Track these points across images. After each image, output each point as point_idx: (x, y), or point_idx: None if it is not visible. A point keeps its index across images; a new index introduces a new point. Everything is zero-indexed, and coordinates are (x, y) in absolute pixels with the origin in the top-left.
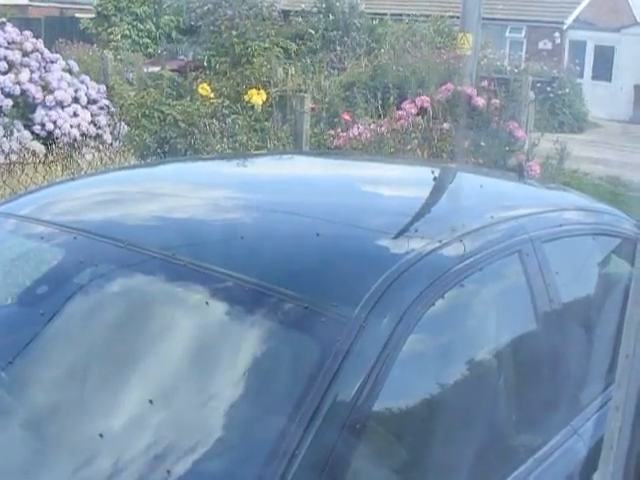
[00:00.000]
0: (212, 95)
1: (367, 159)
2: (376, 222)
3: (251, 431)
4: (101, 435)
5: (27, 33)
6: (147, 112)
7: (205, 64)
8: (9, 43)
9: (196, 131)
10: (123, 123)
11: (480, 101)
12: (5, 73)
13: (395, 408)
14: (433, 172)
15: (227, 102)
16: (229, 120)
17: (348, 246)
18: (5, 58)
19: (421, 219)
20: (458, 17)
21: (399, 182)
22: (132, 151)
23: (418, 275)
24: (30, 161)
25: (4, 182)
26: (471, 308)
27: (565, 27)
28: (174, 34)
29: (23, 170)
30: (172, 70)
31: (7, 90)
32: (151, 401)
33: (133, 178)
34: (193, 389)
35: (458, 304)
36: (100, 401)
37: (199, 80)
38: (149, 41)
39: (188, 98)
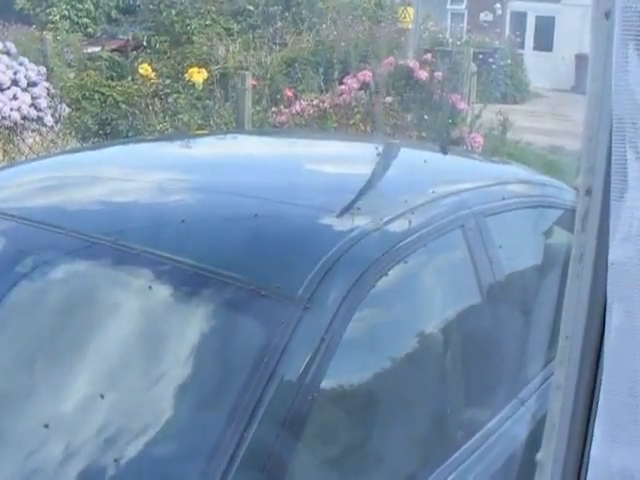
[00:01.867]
0: (153, 75)
1: (309, 136)
2: (318, 200)
3: (197, 415)
4: (46, 426)
5: None
6: (87, 94)
7: (145, 43)
8: None
9: (137, 112)
10: (64, 105)
11: (422, 74)
12: None
13: (340, 389)
14: (376, 148)
15: (168, 81)
16: (170, 99)
17: (290, 225)
18: None
19: (364, 196)
20: None
21: (341, 159)
22: (73, 134)
23: (361, 253)
24: None
25: None
26: (415, 285)
27: None
28: (114, 13)
29: None
30: (112, 50)
31: None
32: (102, 395)
33: (74, 162)
34: (137, 375)
35: (402, 281)
36: (46, 389)
37: (139, 60)
38: (88, 21)
39: (129, 78)
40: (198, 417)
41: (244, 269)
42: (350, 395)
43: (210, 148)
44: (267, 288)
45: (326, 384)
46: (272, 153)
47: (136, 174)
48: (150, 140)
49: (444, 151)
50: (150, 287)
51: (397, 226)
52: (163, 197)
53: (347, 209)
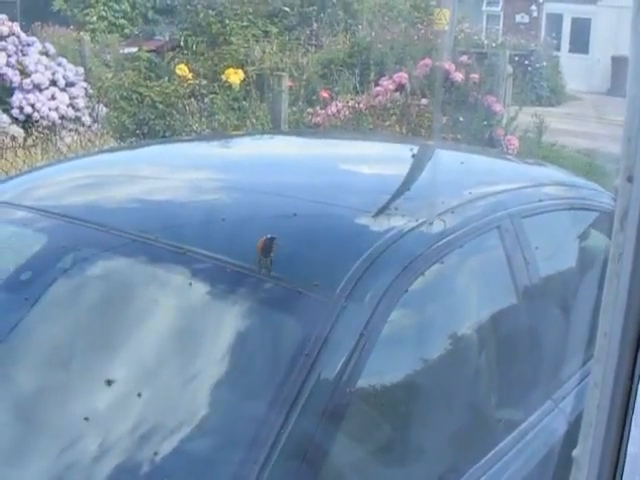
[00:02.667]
0: (190, 75)
1: (346, 137)
2: (356, 201)
3: (233, 412)
4: (86, 418)
5: (2, 16)
6: (125, 94)
7: (182, 44)
8: None
9: (174, 112)
10: (102, 105)
11: (458, 76)
12: None
13: (378, 387)
14: (412, 149)
15: (204, 82)
16: (207, 100)
17: (329, 225)
18: None
19: (401, 197)
20: None
21: (377, 160)
22: (111, 133)
23: (398, 253)
24: (9, 145)
25: None
26: (452, 285)
27: (542, 0)
28: (150, 14)
29: (2, 155)
30: (149, 51)
31: None
32: (139, 394)
33: (114, 161)
34: (176, 371)
35: (439, 282)
36: (85, 384)
37: (176, 60)
38: (125, 22)
39: (166, 79)
40: (238, 411)
41: (283, 267)
42: (386, 391)
43: (247, 148)
44: (306, 286)
45: (363, 380)
46: (308, 153)
47: (174, 173)
48: (187, 140)
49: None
50: (190, 284)
51: (434, 226)
52: (202, 196)
53: (385, 209)
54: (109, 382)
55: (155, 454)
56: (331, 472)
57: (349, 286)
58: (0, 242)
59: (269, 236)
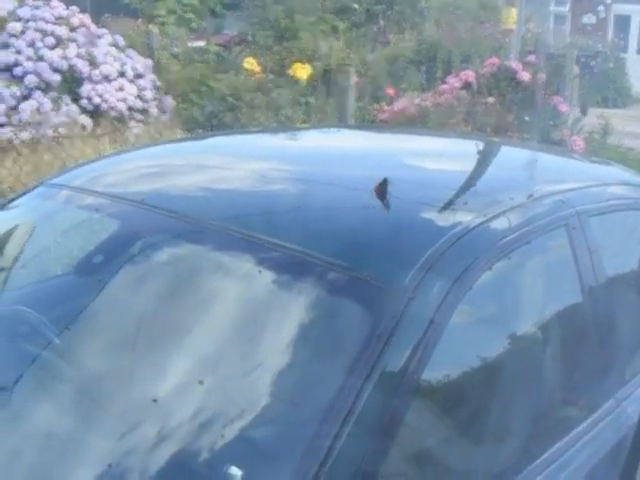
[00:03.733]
0: (258, 69)
1: (411, 132)
2: (423, 195)
3: (302, 400)
4: (155, 400)
5: (74, 8)
6: (195, 86)
7: (249, 38)
8: (56, 19)
9: (242, 105)
10: (169, 97)
11: (525, 75)
12: (53, 48)
13: (442, 380)
14: (477, 145)
15: (271, 76)
16: (274, 94)
17: (398, 218)
18: (53, 33)
19: (468, 192)
20: None
21: (443, 155)
22: (180, 125)
23: (467, 247)
24: (78, 135)
25: (55, 155)
26: (518, 280)
27: (609, 1)
28: (218, 8)
29: (72, 144)
30: (217, 44)
31: (55, 65)
32: (204, 380)
33: (184, 150)
34: (243, 358)
35: (506, 276)
36: (154, 368)
37: (243, 54)
38: (193, 16)
39: (233, 72)
40: (300, 402)
41: (352, 258)
42: (450, 385)
43: (314, 141)
44: (374, 277)
45: (428, 373)
46: (374, 147)
47: (244, 163)
48: (254, 132)
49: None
50: (260, 271)
51: (502, 222)
52: (271, 186)
53: (452, 204)
54: (178, 366)
55: (220, 440)
56: (396, 463)
57: (417, 278)
58: (73, 227)
59: (382, 179)
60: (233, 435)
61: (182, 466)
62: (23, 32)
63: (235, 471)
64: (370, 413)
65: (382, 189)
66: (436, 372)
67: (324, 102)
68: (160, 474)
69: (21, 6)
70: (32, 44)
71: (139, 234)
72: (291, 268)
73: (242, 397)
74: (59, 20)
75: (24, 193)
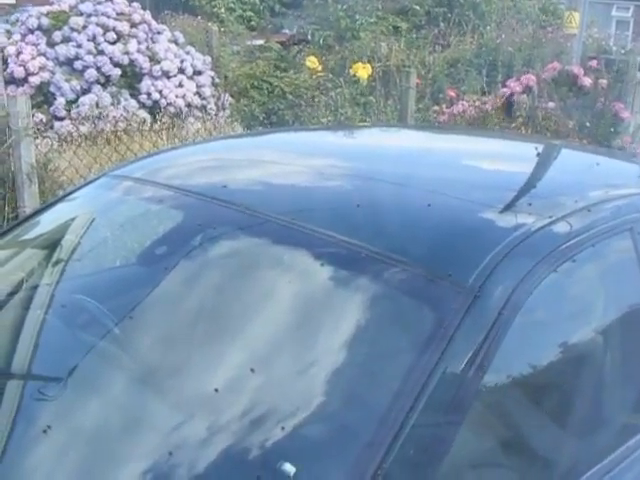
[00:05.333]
0: (319, 68)
1: (469, 134)
2: (486, 196)
3: (362, 398)
4: (216, 390)
5: (135, 5)
6: (256, 83)
7: (309, 38)
8: (118, 14)
9: (303, 103)
10: (227, 94)
11: (587, 81)
12: (114, 43)
13: (504, 381)
14: (536, 148)
15: (330, 76)
16: (334, 93)
17: (462, 217)
18: (114, 29)
19: (531, 194)
20: None
21: (501, 157)
22: (239, 121)
23: (531, 248)
24: (137, 129)
25: (115, 149)
26: (581, 284)
27: None
28: (277, 7)
29: (133, 138)
30: (277, 43)
31: (115, 60)
32: (261, 372)
33: (245, 145)
34: (303, 353)
35: (569, 280)
36: (213, 359)
37: (303, 54)
38: (252, 14)
39: (291, 71)
40: (361, 400)
41: (417, 256)
42: (512, 387)
43: (375, 139)
44: (439, 275)
45: (490, 374)
46: (433, 147)
47: (306, 159)
48: (316, 128)
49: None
50: (322, 265)
51: (566, 225)
52: (334, 182)
53: (516, 206)
54: (238, 358)
55: (276, 435)
56: (454, 465)
57: (481, 278)
58: (135, 217)
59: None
60: (289, 431)
61: (237, 459)
62: (85, 27)
63: (289, 467)
64: (432, 413)
65: (508, 103)
66: (498, 372)
67: (383, 103)
68: (215, 466)
69: (83, 1)
70: (93, 38)
71: (202, 226)
72: (355, 264)
73: (301, 392)
74: (120, 16)
75: (87, 183)
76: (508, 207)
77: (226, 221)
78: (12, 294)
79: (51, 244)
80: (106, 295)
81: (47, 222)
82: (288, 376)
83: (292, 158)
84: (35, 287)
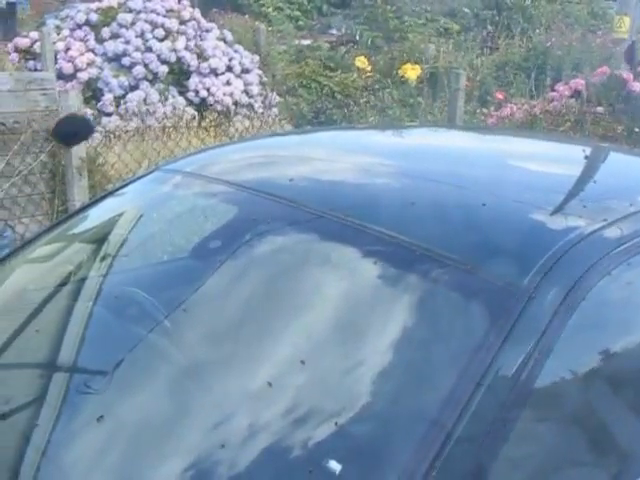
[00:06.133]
0: (369, 68)
1: (517, 135)
2: (539, 197)
3: (412, 399)
4: (270, 384)
5: (185, 2)
6: (304, 82)
7: (357, 38)
8: (167, 11)
9: (351, 103)
10: (274, 93)
11: (636, 86)
12: (162, 40)
13: (555, 386)
14: (584, 151)
15: (378, 76)
16: (383, 94)
17: (517, 219)
18: (162, 25)
19: (584, 197)
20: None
21: (555, 159)
22: (287, 119)
23: (586, 251)
24: (184, 126)
25: (164, 144)
26: (636, 287)
27: None
28: (325, 8)
29: (182, 134)
30: (325, 43)
31: (163, 57)
32: (308, 368)
33: (295, 142)
34: (350, 350)
35: (624, 282)
36: (265, 354)
37: (352, 54)
38: (300, 14)
39: (339, 71)
40: (410, 400)
41: (472, 255)
42: (564, 392)
43: (423, 138)
44: (493, 275)
45: (543, 377)
46: (484, 148)
47: (357, 156)
48: (365, 127)
49: None
50: (375, 262)
51: (620, 228)
52: (385, 180)
53: (569, 208)
54: (287, 353)
55: (322, 432)
56: (506, 469)
57: (536, 279)
58: (187, 211)
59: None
60: (339, 427)
61: (286, 454)
62: (133, 23)
63: (334, 465)
64: (483, 416)
65: (631, 51)
66: (550, 378)
67: (431, 104)
68: (263, 460)
69: None
70: (141, 35)
71: (256, 221)
72: (409, 262)
73: (351, 390)
74: (169, 13)
75: (140, 177)
76: (562, 209)
77: (280, 216)
78: (62, 286)
79: (106, 237)
80: (157, 288)
81: (101, 215)
82: (339, 373)
83: (343, 155)
84: (88, 279)
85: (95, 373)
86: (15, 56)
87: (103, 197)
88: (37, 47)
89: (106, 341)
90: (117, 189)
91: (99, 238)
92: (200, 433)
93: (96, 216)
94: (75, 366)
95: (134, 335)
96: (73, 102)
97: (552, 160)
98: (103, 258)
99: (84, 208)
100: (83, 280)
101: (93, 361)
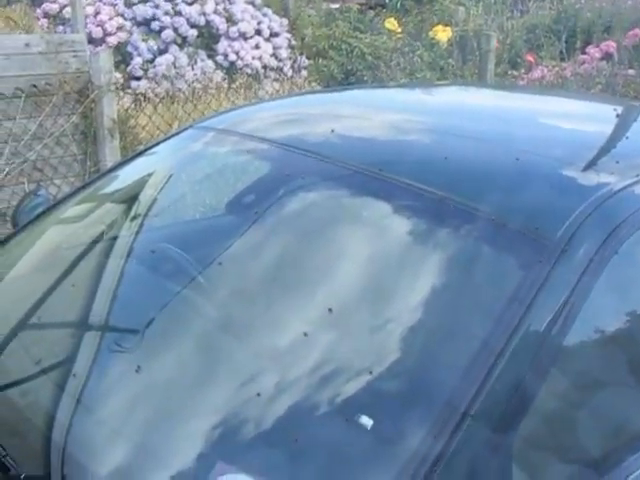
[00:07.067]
0: (399, 30)
1: (547, 94)
2: (571, 153)
3: (442, 353)
4: (305, 334)
5: None
6: (335, 44)
7: (386, 1)
8: None
9: (382, 64)
10: (303, 57)
11: None
12: (191, 4)
13: (589, 338)
14: (615, 110)
15: (409, 38)
16: (413, 55)
17: (550, 173)
18: None
19: (615, 153)
20: None
21: (586, 117)
22: (317, 82)
23: (618, 206)
24: (215, 88)
25: (194, 106)
26: None
27: None
28: None
29: (213, 96)
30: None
31: (192, 21)
32: (340, 324)
33: (328, 100)
34: (382, 305)
35: None
36: (299, 308)
37: (381, 16)
38: None
39: (368, 33)
40: (440, 355)
41: (505, 208)
42: (595, 345)
43: (455, 97)
44: (527, 228)
45: (575, 332)
46: (515, 106)
47: (390, 114)
48: (397, 86)
49: None
50: (409, 217)
51: None
52: (420, 136)
53: (603, 164)
54: (321, 308)
55: (354, 388)
56: (536, 424)
57: (569, 233)
58: (221, 168)
59: None
60: (367, 384)
61: (315, 409)
62: None
63: (366, 420)
64: (515, 370)
65: None
66: (583, 329)
67: (461, 67)
68: (297, 412)
69: None
70: None
71: (289, 176)
72: (441, 217)
73: (382, 345)
74: None
75: (175, 134)
76: (594, 165)
77: (314, 172)
78: (96, 244)
79: (139, 194)
80: (192, 243)
81: (138, 171)
82: (373, 328)
83: (376, 112)
84: (128, 234)
85: (135, 322)
86: (45, 22)
87: (138, 154)
88: (66, 12)
89: (141, 296)
90: (151, 146)
91: (136, 195)
92: (233, 387)
93: (132, 173)
94: (107, 323)
95: (168, 291)
96: (104, 63)
97: (584, 117)
98: (138, 215)
99: (118, 166)
100: (124, 235)
101: (127, 317)
